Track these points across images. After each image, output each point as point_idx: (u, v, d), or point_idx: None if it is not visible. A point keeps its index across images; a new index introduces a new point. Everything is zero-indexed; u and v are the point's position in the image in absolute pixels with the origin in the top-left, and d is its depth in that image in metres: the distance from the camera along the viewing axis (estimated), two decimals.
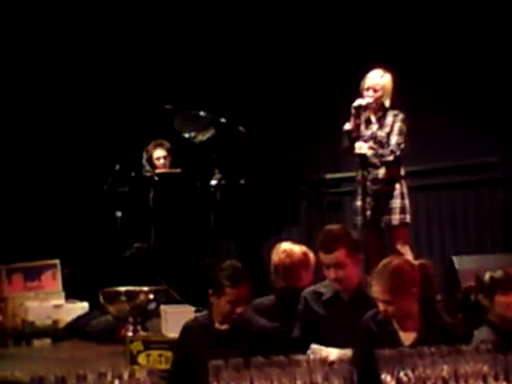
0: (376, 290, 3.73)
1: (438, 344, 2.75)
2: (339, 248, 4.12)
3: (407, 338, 3.70)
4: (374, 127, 5.83)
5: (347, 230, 4.35)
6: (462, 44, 7.05)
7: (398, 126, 5.77)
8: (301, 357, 2.75)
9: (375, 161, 5.76)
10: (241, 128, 6.86)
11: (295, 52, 7.89)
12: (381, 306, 3.72)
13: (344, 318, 4.04)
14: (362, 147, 5.73)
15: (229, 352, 3.81)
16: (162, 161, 7.35)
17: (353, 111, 5.75)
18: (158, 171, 7.20)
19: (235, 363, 2.66)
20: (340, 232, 4.24)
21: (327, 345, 4.01)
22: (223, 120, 6.90)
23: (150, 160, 7.41)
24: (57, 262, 7.12)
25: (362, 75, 5.90)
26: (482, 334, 3.68)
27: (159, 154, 7.37)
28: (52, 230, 7.78)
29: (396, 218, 5.75)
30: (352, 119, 5.78)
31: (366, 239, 5.66)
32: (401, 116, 5.80)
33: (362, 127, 5.85)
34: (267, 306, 4.54)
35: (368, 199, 5.71)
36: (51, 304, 6.86)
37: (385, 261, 3.86)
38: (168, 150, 7.38)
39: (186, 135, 7.02)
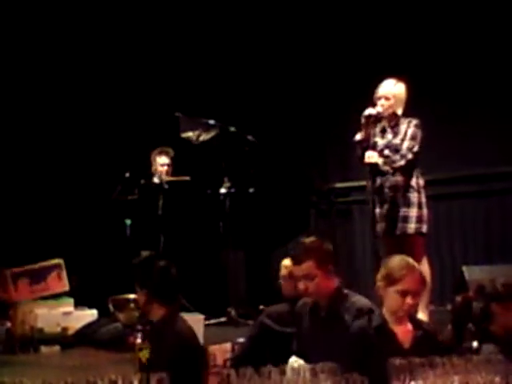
0: (413, 279, 3.71)
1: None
2: (308, 260, 4.12)
3: (404, 340, 3.69)
4: (389, 136, 5.83)
5: (319, 242, 4.29)
6: (475, 54, 7.06)
7: (411, 131, 5.75)
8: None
9: (386, 169, 5.74)
10: (250, 137, 6.87)
11: (305, 62, 7.91)
12: (408, 300, 3.68)
13: (322, 333, 4.03)
14: (371, 156, 5.72)
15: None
16: (165, 168, 7.31)
17: (363, 121, 5.74)
18: (167, 179, 7.20)
19: (226, 372, 2.61)
20: (310, 244, 4.23)
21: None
22: (233, 129, 6.91)
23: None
24: (61, 261, 7.06)
25: (372, 85, 5.90)
26: (488, 349, 3.65)
27: (164, 161, 7.32)
28: (61, 238, 7.79)
29: (411, 227, 5.69)
30: (362, 129, 5.79)
31: (381, 246, 5.67)
32: (414, 122, 5.77)
33: (378, 137, 5.85)
34: (281, 314, 4.57)
35: (385, 206, 5.70)
36: (60, 311, 6.83)
37: (403, 258, 3.87)
38: (172, 159, 7.34)
39: (190, 134, 7.00)
